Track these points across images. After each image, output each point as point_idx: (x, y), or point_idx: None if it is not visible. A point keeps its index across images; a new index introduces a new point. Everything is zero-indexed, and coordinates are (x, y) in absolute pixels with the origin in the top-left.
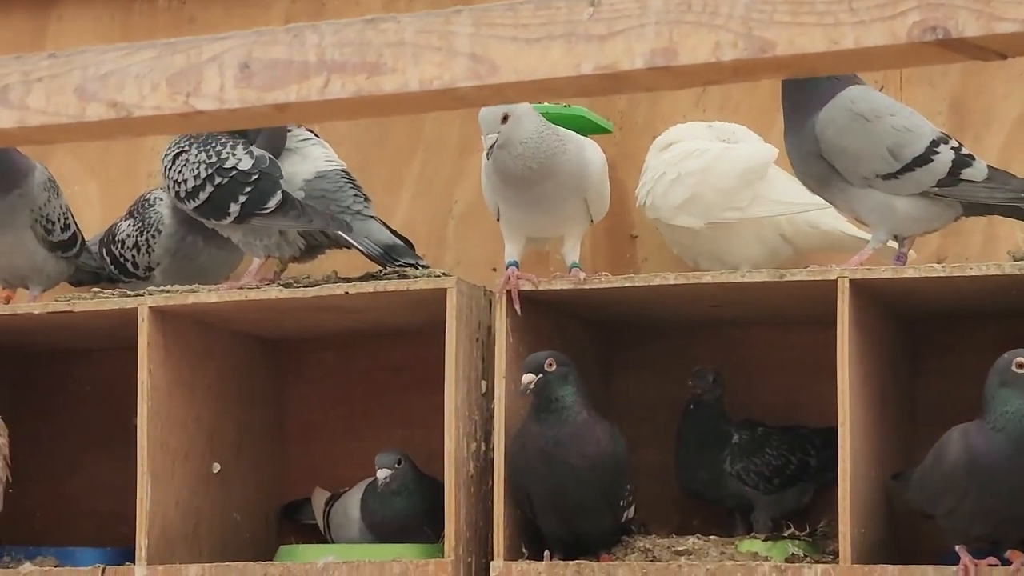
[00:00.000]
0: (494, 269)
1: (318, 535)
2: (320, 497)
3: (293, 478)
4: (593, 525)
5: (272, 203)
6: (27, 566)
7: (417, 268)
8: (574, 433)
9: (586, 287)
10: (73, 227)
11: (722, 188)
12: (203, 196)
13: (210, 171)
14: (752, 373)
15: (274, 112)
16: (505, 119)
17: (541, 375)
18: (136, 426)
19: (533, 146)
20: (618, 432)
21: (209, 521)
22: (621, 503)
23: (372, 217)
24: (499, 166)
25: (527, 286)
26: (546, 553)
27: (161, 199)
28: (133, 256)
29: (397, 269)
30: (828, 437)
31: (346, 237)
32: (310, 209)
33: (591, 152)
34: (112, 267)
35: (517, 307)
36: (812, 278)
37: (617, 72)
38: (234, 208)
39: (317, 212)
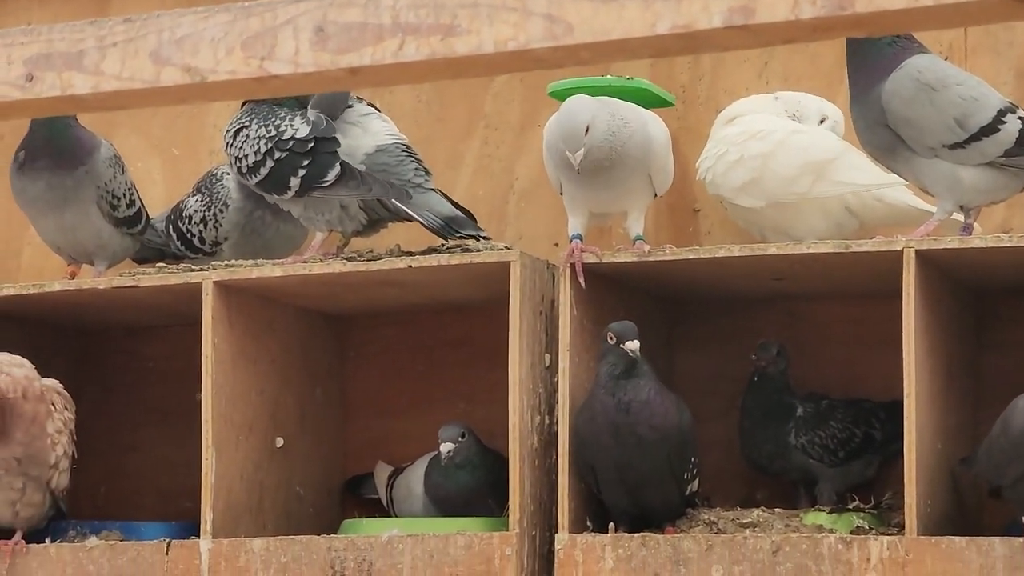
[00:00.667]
0: (556, 244)
1: (380, 509)
2: (383, 471)
3: (355, 453)
4: (658, 497)
5: (331, 175)
6: (93, 540)
7: (479, 240)
8: (645, 404)
9: (650, 259)
10: (138, 203)
11: (783, 175)
12: (264, 171)
13: (269, 146)
14: (816, 346)
15: (348, 75)
16: (587, 131)
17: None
18: (200, 401)
19: (607, 146)
20: (684, 404)
21: (273, 495)
22: (686, 476)
23: (433, 190)
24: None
25: (591, 259)
26: (611, 525)
27: (228, 174)
28: (200, 231)
29: (459, 242)
30: (893, 410)
31: (406, 209)
32: (369, 178)
33: (654, 127)
34: (179, 243)
35: (581, 280)
36: (878, 249)
37: (694, 31)
38: (294, 182)
39: (377, 181)
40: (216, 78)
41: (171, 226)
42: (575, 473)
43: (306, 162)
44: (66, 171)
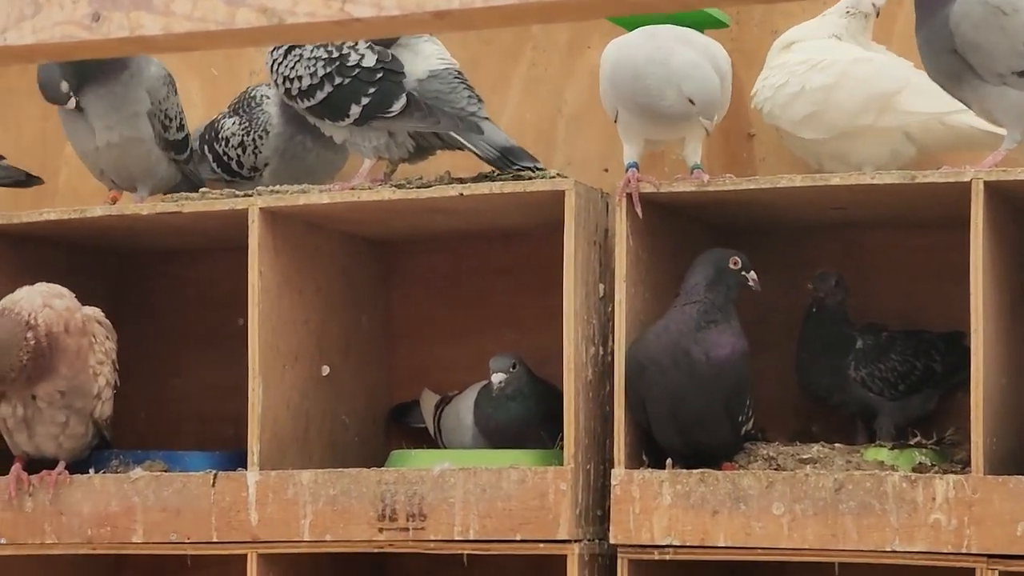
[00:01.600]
0: (606, 170)
1: (427, 439)
2: (429, 400)
3: (400, 381)
4: (712, 437)
5: (397, 106)
6: (137, 471)
7: (534, 171)
8: (718, 337)
9: (710, 189)
10: (187, 130)
11: (848, 108)
12: (320, 95)
13: (329, 69)
14: (873, 276)
15: (433, 19)
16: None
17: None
18: (242, 326)
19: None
20: (746, 344)
21: (319, 425)
22: (740, 418)
23: (486, 118)
24: None
25: (648, 188)
26: (668, 461)
27: (268, 97)
28: (239, 155)
29: (511, 171)
30: (953, 342)
31: (461, 140)
32: (436, 110)
33: (721, 59)
34: (215, 165)
35: (638, 210)
36: (945, 180)
37: None
38: (355, 110)
39: (444, 113)
40: (295, 20)
41: (206, 147)
42: (631, 406)
43: (371, 91)
44: (112, 76)
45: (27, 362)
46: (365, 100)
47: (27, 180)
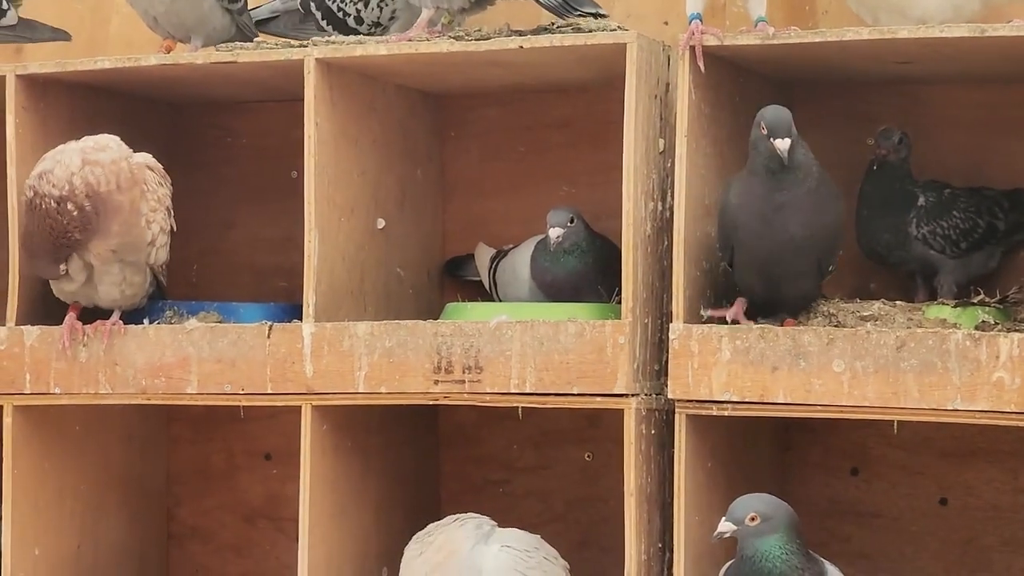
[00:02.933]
0: (665, 23)
1: (482, 292)
2: (484, 254)
3: (455, 234)
4: (797, 291)
5: None
6: (192, 322)
7: (597, 18)
8: (803, 199)
9: (774, 42)
10: None
11: None
12: None
13: None
14: (936, 132)
15: None
16: None
17: (791, 139)
18: (295, 179)
19: None
20: (840, 196)
21: (374, 277)
22: (830, 268)
23: None
24: None
25: (712, 41)
26: (740, 300)
27: None
28: (358, 10)
29: (571, 22)
30: (1017, 199)
31: None
32: None
33: None
34: (324, 22)
35: (700, 63)
36: (1016, 34)
37: None
38: None
39: None
40: None
41: (313, 2)
42: (690, 261)
43: None
44: None
45: (80, 235)
46: None
47: (52, 35)
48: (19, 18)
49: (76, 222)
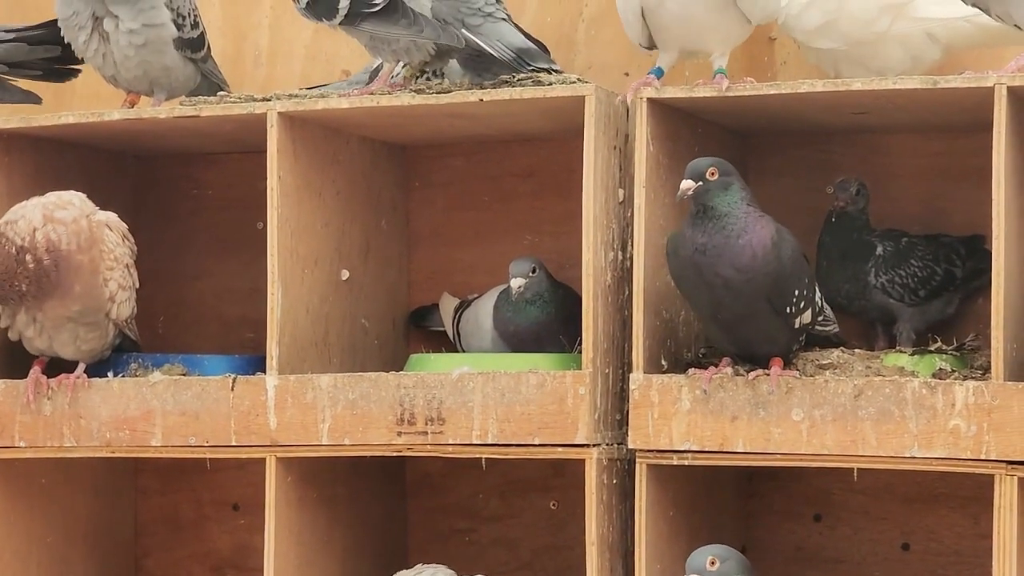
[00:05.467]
0: (626, 74)
1: (446, 342)
2: (448, 303)
3: (420, 284)
4: (760, 334)
5: (379, 1)
6: (156, 375)
7: (551, 73)
8: (727, 243)
9: (729, 95)
10: (202, 27)
11: (861, 17)
12: None
13: None
14: (894, 181)
15: None
16: None
17: (701, 183)
18: (261, 230)
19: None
20: (787, 237)
21: (338, 328)
22: (790, 309)
23: (504, 19)
24: None
25: (650, 93)
26: (725, 360)
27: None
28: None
29: (531, 75)
30: (973, 245)
31: (477, 41)
32: (421, 18)
33: None
34: None
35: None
36: (967, 85)
37: None
38: (343, 4)
39: (428, 21)
40: None
41: None
42: (650, 311)
43: None
44: None
45: (28, 288)
46: None
47: (24, 97)
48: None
49: (30, 274)
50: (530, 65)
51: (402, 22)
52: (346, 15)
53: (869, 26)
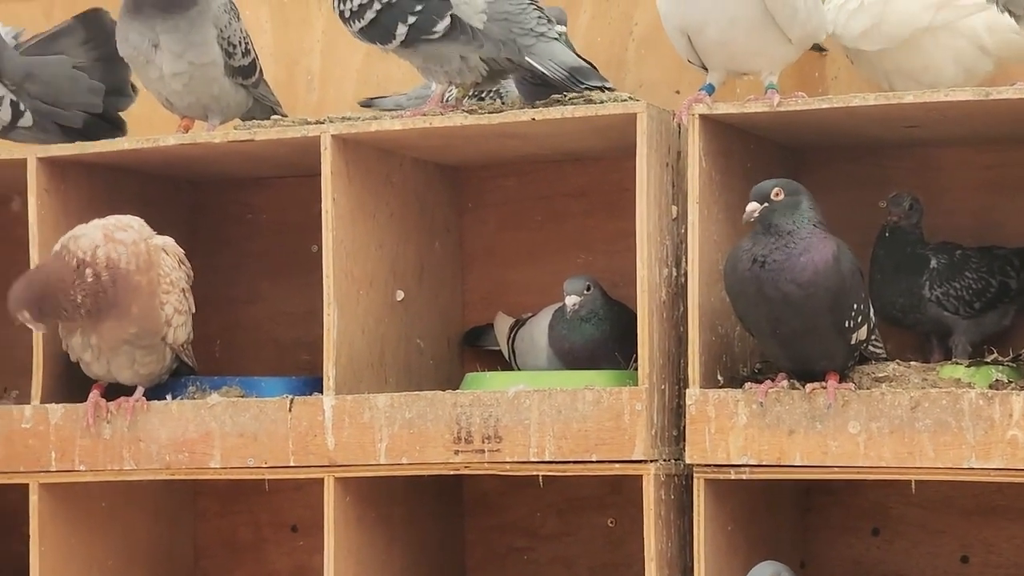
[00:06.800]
0: (677, 92)
1: (501, 361)
2: (503, 323)
3: (474, 304)
4: (815, 349)
5: (440, 27)
6: (214, 397)
7: (603, 91)
8: (788, 259)
9: (781, 110)
10: (253, 54)
11: (904, 16)
12: (368, 17)
13: None
14: (946, 194)
15: None
16: None
17: (766, 204)
18: (316, 252)
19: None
20: (847, 253)
21: (394, 349)
22: (848, 324)
23: (556, 39)
24: None
25: (702, 109)
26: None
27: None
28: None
29: (583, 93)
30: None
31: (529, 61)
32: (481, 33)
33: None
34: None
35: (683, 123)
36: (1019, 96)
37: None
38: (401, 30)
39: (489, 37)
40: None
41: None
42: (705, 326)
43: (418, 7)
44: (179, 13)
45: (84, 299)
46: (412, 19)
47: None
48: (34, 120)
49: (88, 288)
50: (583, 84)
51: (461, 38)
52: (403, 41)
53: (912, 23)
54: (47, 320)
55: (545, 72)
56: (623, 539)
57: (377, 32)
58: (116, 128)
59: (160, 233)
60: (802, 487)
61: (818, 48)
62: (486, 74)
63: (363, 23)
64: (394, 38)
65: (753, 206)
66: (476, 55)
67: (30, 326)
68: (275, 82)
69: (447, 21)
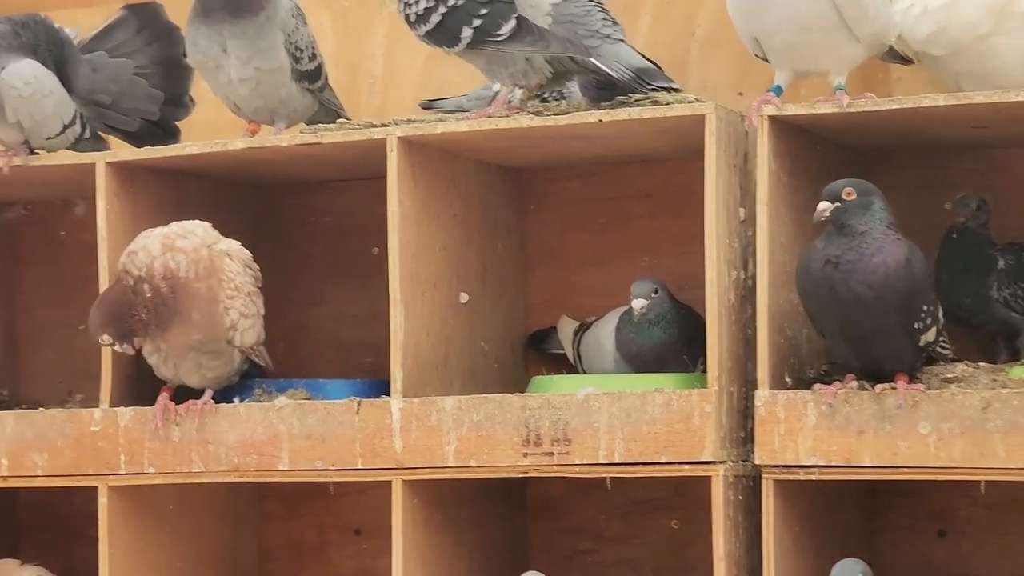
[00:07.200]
0: (740, 94)
1: (564, 365)
2: (567, 326)
3: (537, 307)
4: (884, 350)
5: (506, 29)
6: (282, 400)
7: (670, 92)
8: (860, 260)
9: (850, 111)
10: (319, 58)
11: (967, 21)
12: (434, 20)
13: None
14: (1010, 193)
15: None
16: None
17: (838, 204)
18: (377, 255)
19: None
20: (918, 255)
21: (458, 351)
22: (917, 326)
23: (622, 40)
24: None
25: (772, 111)
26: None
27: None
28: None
29: (648, 95)
30: None
31: (595, 62)
32: (548, 34)
33: None
34: None
35: (752, 125)
36: None
37: None
38: (467, 33)
39: (556, 37)
40: None
41: None
42: (774, 328)
43: (483, 11)
44: (247, 18)
45: (148, 316)
46: (477, 22)
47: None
48: (92, 132)
49: (148, 303)
50: (650, 85)
51: (527, 39)
52: (470, 43)
53: (976, 27)
54: (128, 339)
55: (611, 73)
56: (688, 541)
57: (443, 35)
58: (170, 136)
59: (224, 236)
60: (867, 489)
61: (904, 59)
62: (551, 76)
63: (429, 26)
64: (460, 41)
65: (824, 205)
66: (541, 56)
67: (118, 349)
68: (337, 87)
69: (512, 23)
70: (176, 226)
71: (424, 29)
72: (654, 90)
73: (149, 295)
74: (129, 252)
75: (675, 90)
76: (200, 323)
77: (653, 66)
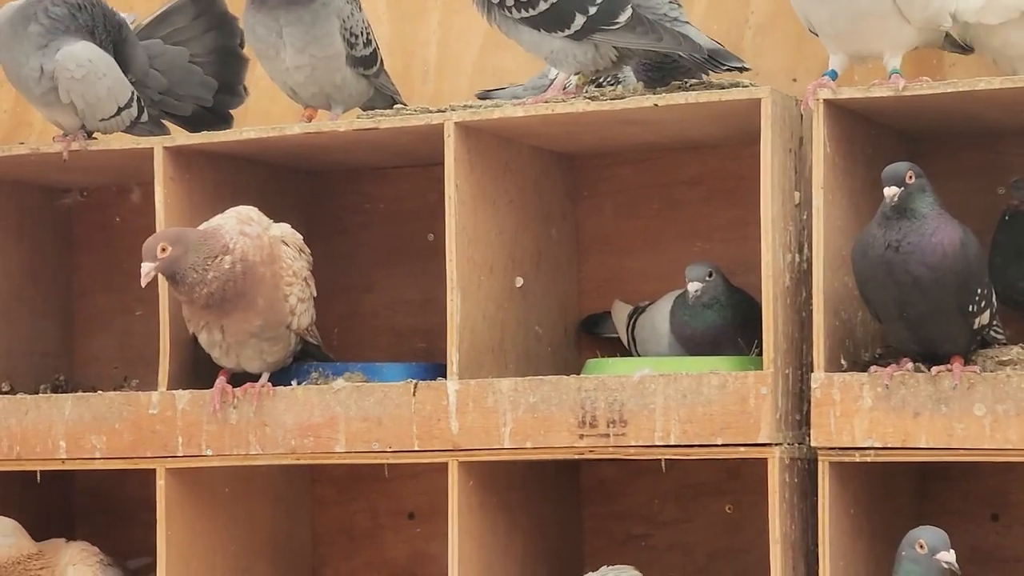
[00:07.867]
0: (794, 80)
1: (618, 349)
2: (621, 310)
3: (590, 292)
4: (942, 333)
5: (622, 18)
6: (339, 382)
7: (742, 71)
8: (919, 242)
9: (906, 94)
10: (374, 44)
11: None
12: (543, 6)
13: None
14: None
15: None
16: None
17: (903, 187)
18: (431, 241)
19: None
20: (972, 237)
21: (513, 335)
22: (972, 308)
23: (687, 22)
24: None
25: (827, 94)
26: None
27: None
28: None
29: (702, 80)
30: None
31: (679, 52)
32: (658, 26)
33: None
34: None
35: (808, 107)
36: None
37: None
38: (579, 20)
39: (666, 29)
40: None
41: None
42: (829, 311)
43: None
44: (303, 5)
45: (213, 280)
46: (592, 10)
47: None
48: (149, 115)
49: (221, 273)
50: (724, 65)
51: (639, 29)
52: (578, 30)
53: None
54: (167, 274)
55: (683, 56)
56: (741, 524)
57: (549, 19)
58: (223, 122)
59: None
60: (919, 472)
61: (962, 48)
62: (615, 60)
63: (535, 11)
64: (568, 27)
65: (893, 190)
66: (610, 44)
67: (144, 266)
68: (391, 73)
69: (629, 12)
70: (233, 211)
71: (529, 13)
72: (728, 70)
73: (227, 267)
74: (218, 225)
75: (746, 69)
76: (263, 309)
77: (722, 47)
